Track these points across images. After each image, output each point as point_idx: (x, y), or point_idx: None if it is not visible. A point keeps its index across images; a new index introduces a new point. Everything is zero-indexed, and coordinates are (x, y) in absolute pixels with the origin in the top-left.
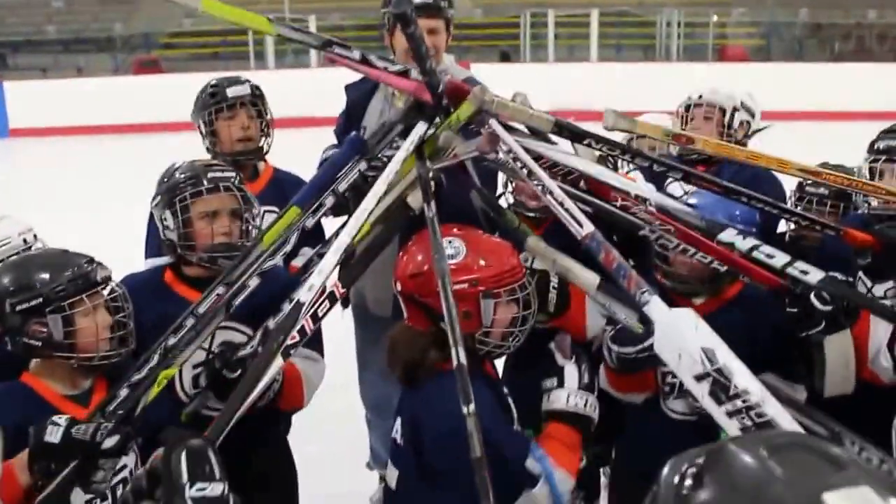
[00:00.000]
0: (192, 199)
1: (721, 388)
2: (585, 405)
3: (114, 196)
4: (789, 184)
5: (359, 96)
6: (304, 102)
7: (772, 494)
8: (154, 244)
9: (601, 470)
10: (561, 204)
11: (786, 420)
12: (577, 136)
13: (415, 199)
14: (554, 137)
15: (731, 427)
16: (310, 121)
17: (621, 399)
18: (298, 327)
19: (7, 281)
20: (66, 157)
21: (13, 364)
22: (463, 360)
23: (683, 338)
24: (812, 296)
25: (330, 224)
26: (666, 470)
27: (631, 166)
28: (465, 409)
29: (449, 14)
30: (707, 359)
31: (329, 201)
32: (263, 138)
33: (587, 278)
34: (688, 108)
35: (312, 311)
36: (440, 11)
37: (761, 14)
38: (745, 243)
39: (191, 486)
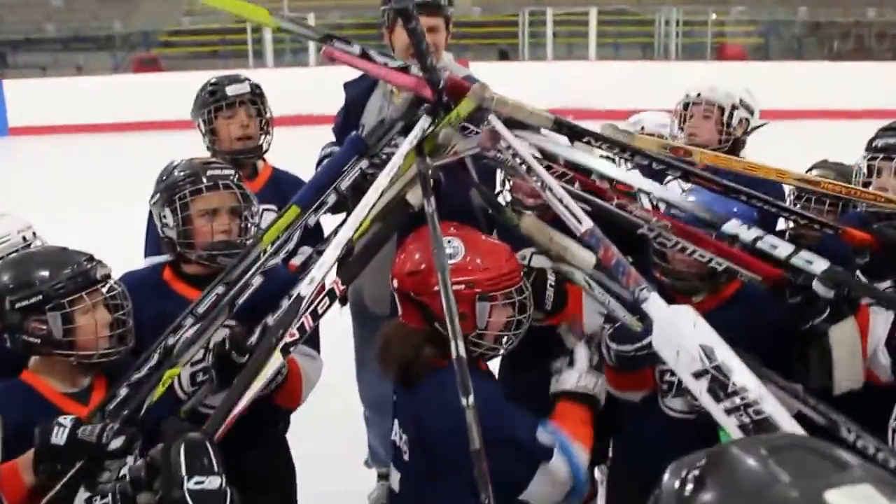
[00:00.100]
0: (192, 197)
1: (719, 385)
2: (595, 386)
3: (113, 194)
4: None
5: (357, 94)
6: (302, 101)
7: (774, 495)
8: (154, 242)
9: (598, 468)
10: (560, 200)
11: (784, 418)
12: (576, 134)
13: (414, 196)
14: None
15: (730, 424)
16: (308, 119)
17: (619, 397)
18: (298, 324)
19: (7, 278)
20: (66, 155)
21: (12, 361)
22: (462, 352)
23: (682, 334)
24: (815, 283)
25: (329, 223)
26: (667, 473)
27: (629, 164)
28: (464, 402)
29: (448, 12)
30: (705, 356)
31: (331, 199)
32: (263, 137)
33: (584, 257)
34: (686, 106)
35: (312, 308)
36: (440, 9)
37: (760, 12)
38: (749, 234)
39: (189, 479)
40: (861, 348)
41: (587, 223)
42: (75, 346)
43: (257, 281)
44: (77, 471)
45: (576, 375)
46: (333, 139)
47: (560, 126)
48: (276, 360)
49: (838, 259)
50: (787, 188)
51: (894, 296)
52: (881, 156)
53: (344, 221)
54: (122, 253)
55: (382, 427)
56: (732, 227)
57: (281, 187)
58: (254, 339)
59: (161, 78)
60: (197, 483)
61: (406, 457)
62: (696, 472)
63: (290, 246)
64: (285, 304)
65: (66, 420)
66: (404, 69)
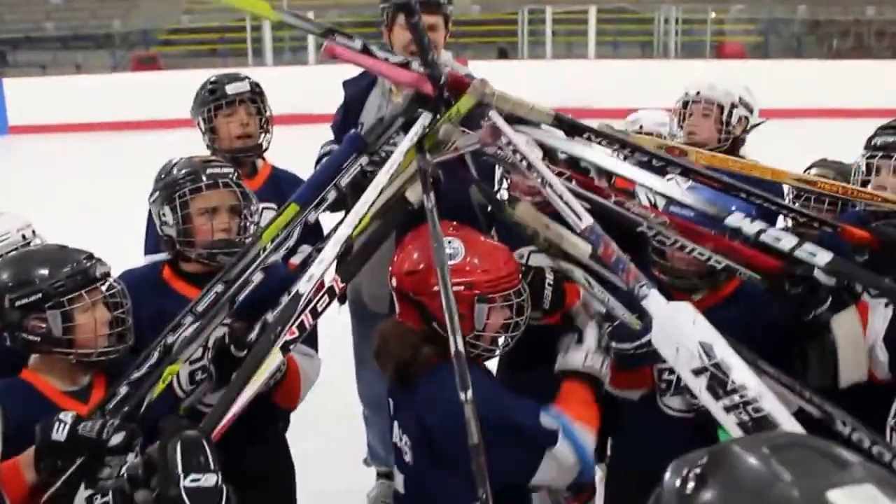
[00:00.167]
0: (192, 195)
1: (718, 382)
2: (602, 368)
3: (113, 193)
4: None
5: (356, 92)
6: (301, 99)
7: (776, 494)
8: (153, 240)
9: (597, 467)
10: (560, 196)
11: (784, 416)
12: (576, 130)
13: (413, 194)
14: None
15: (729, 422)
16: (307, 118)
17: (618, 396)
18: (298, 322)
19: (6, 277)
20: (65, 154)
21: (12, 360)
22: (461, 346)
23: (681, 331)
24: (816, 271)
25: (328, 222)
26: (668, 472)
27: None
28: (462, 396)
29: (448, 10)
30: (705, 353)
31: (331, 195)
32: (263, 135)
33: (580, 247)
34: (685, 104)
35: (311, 306)
36: (439, 7)
37: (759, 11)
38: (752, 227)
39: (185, 477)
40: (863, 339)
41: (587, 219)
42: (75, 344)
43: (258, 277)
44: (77, 467)
45: (583, 354)
46: (332, 137)
47: (560, 122)
48: (276, 357)
49: None
50: (786, 187)
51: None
52: (880, 154)
53: (343, 218)
54: (122, 251)
55: (381, 425)
56: (736, 220)
57: (280, 186)
58: (253, 335)
59: (160, 76)
60: (193, 480)
61: (408, 458)
62: (698, 471)
63: (290, 242)
64: (285, 300)
65: (67, 416)
66: (405, 65)
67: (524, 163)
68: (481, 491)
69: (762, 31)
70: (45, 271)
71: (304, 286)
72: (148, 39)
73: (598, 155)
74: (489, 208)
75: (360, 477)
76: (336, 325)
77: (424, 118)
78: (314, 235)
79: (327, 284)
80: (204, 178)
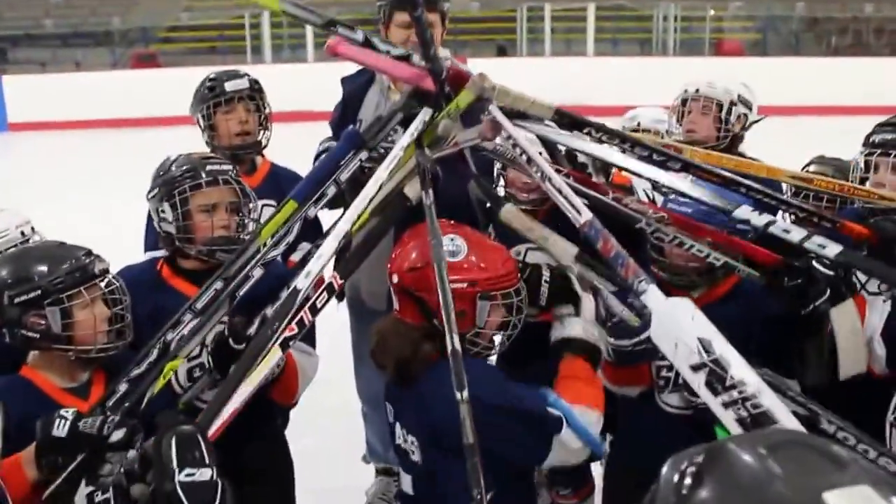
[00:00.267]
0: (192, 192)
1: (717, 378)
2: (598, 336)
3: (112, 190)
4: None
5: (355, 89)
6: (300, 96)
7: (772, 493)
8: (153, 237)
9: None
10: (559, 191)
11: (782, 412)
12: (576, 125)
13: (412, 190)
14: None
15: (727, 418)
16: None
17: (616, 392)
18: (297, 319)
19: (5, 273)
20: (65, 151)
21: (11, 357)
22: (457, 345)
23: (680, 327)
24: (814, 262)
25: (327, 220)
26: (665, 468)
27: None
28: (458, 396)
29: (444, 7)
30: (703, 349)
31: (331, 191)
32: (262, 132)
33: (565, 248)
34: (684, 101)
35: (311, 302)
36: (435, 5)
37: (758, 8)
38: (760, 219)
39: (180, 471)
40: (861, 331)
41: (587, 214)
42: (74, 340)
43: (257, 273)
44: (78, 464)
45: (580, 323)
46: (331, 134)
47: (561, 117)
48: (275, 353)
49: None
50: (784, 185)
51: None
52: (878, 151)
53: (343, 214)
54: (122, 248)
55: (380, 422)
56: (744, 212)
57: (279, 183)
58: (252, 329)
59: (159, 74)
60: (188, 475)
61: (416, 457)
62: (695, 468)
63: (290, 238)
64: (284, 295)
65: (68, 413)
66: (406, 58)
67: (524, 157)
68: (476, 492)
69: (761, 28)
70: (44, 268)
71: (301, 282)
72: (147, 37)
73: (601, 149)
74: (487, 205)
75: (359, 474)
76: (334, 322)
77: (424, 113)
78: (313, 232)
79: (326, 281)
80: (203, 175)
